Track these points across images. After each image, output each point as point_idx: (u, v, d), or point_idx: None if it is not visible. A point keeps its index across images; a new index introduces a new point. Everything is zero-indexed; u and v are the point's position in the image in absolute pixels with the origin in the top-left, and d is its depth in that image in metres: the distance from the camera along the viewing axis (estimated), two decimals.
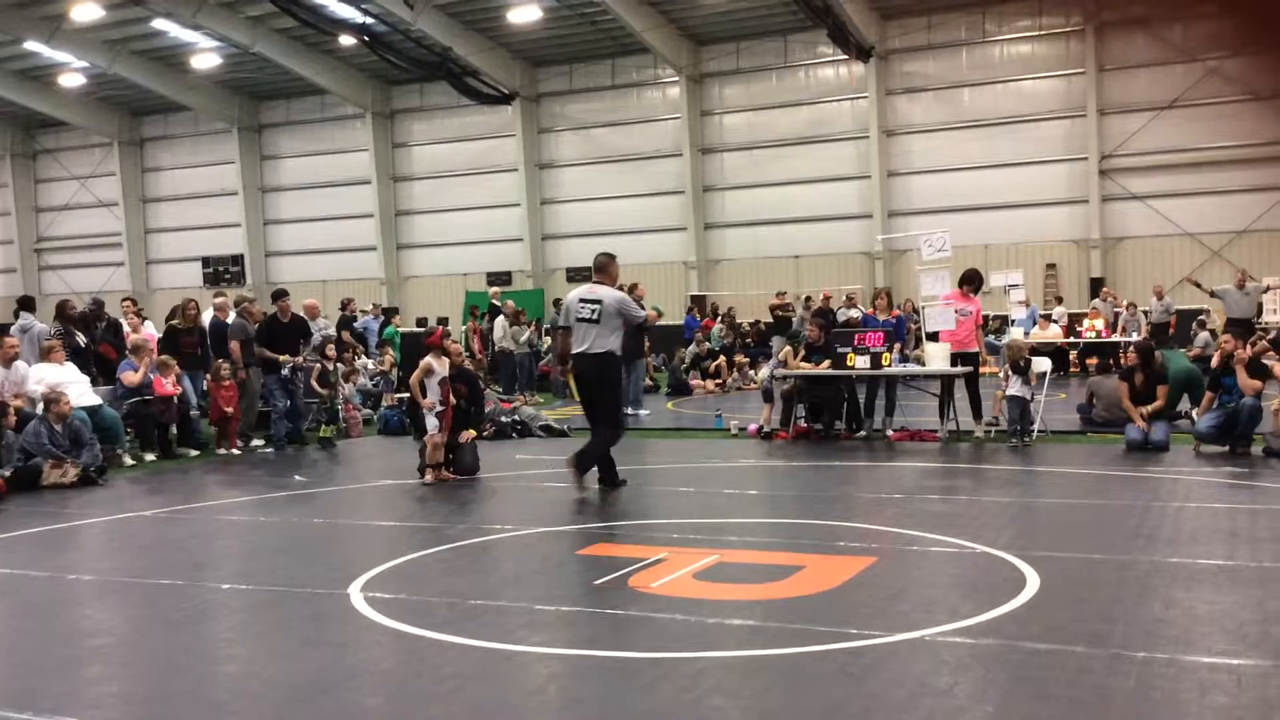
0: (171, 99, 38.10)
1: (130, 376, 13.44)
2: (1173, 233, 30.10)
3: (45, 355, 12.85)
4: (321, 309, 18.47)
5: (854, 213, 33.16)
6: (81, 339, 14.39)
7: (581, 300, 10.07)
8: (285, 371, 14.29)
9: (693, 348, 24.15)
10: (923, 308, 14.04)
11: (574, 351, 10.01)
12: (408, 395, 12.90)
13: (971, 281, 13.90)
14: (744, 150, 34.49)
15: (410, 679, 4.86)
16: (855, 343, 13.58)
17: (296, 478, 11.69)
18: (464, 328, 26.00)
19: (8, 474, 10.85)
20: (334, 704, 4.61)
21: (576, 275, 36.37)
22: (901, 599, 5.97)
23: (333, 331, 17.79)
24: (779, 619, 5.62)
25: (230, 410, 13.83)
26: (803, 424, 13.86)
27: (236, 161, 40.26)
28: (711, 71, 34.54)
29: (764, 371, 15.78)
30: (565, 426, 15.25)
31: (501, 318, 21.98)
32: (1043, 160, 31.14)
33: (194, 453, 13.75)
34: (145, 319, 16.63)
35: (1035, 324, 23.15)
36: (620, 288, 19.23)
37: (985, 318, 18.35)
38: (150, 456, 13.27)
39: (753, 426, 14.12)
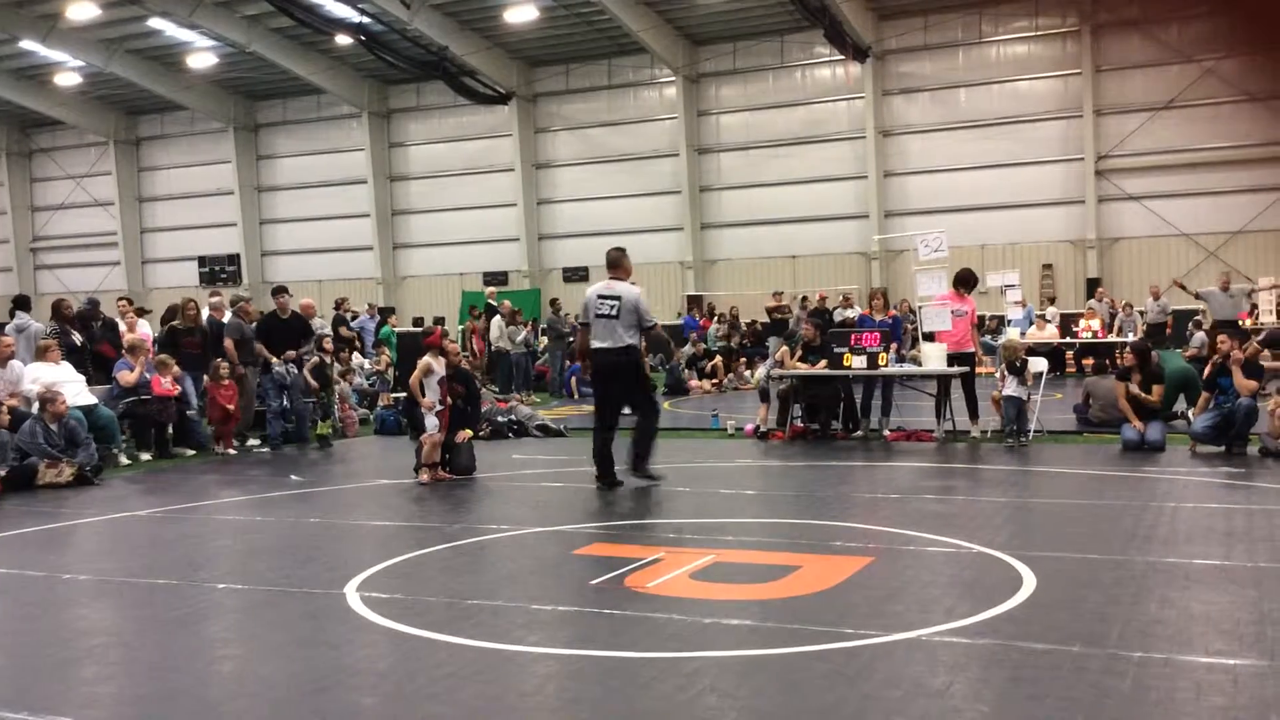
0: (167, 98, 38.08)
1: (126, 376, 13.42)
2: (1169, 233, 30.15)
3: (41, 354, 12.82)
4: (318, 308, 18.43)
5: (850, 213, 33.20)
6: (78, 338, 14.36)
7: (600, 296, 10.10)
8: (279, 368, 14.26)
9: (688, 348, 24.15)
10: (919, 308, 14.04)
11: (595, 347, 10.08)
12: (404, 395, 12.90)
13: (966, 282, 13.91)
14: (740, 150, 34.51)
15: (406, 679, 4.86)
16: (852, 343, 13.59)
17: (293, 477, 11.68)
18: (461, 327, 25.99)
19: (3, 473, 10.83)
20: (330, 704, 4.60)
21: (573, 275, 36.45)
22: (897, 599, 5.98)
23: (329, 329, 17.77)
24: (775, 619, 5.62)
25: (231, 409, 13.80)
26: (799, 424, 13.86)
27: (232, 161, 40.24)
28: (708, 71, 34.56)
29: (761, 371, 15.78)
30: (561, 426, 15.25)
31: (498, 317, 21.97)
32: (1039, 161, 31.20)
33: (190, 452, 13.74)
34: (149, 312, 16.54)
35: (1032, 324, 23.18)
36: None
37: (981, 318, 18.37)
38: (146, 456, 13.25)
39: (749, 426, 14.12)
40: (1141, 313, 24.45)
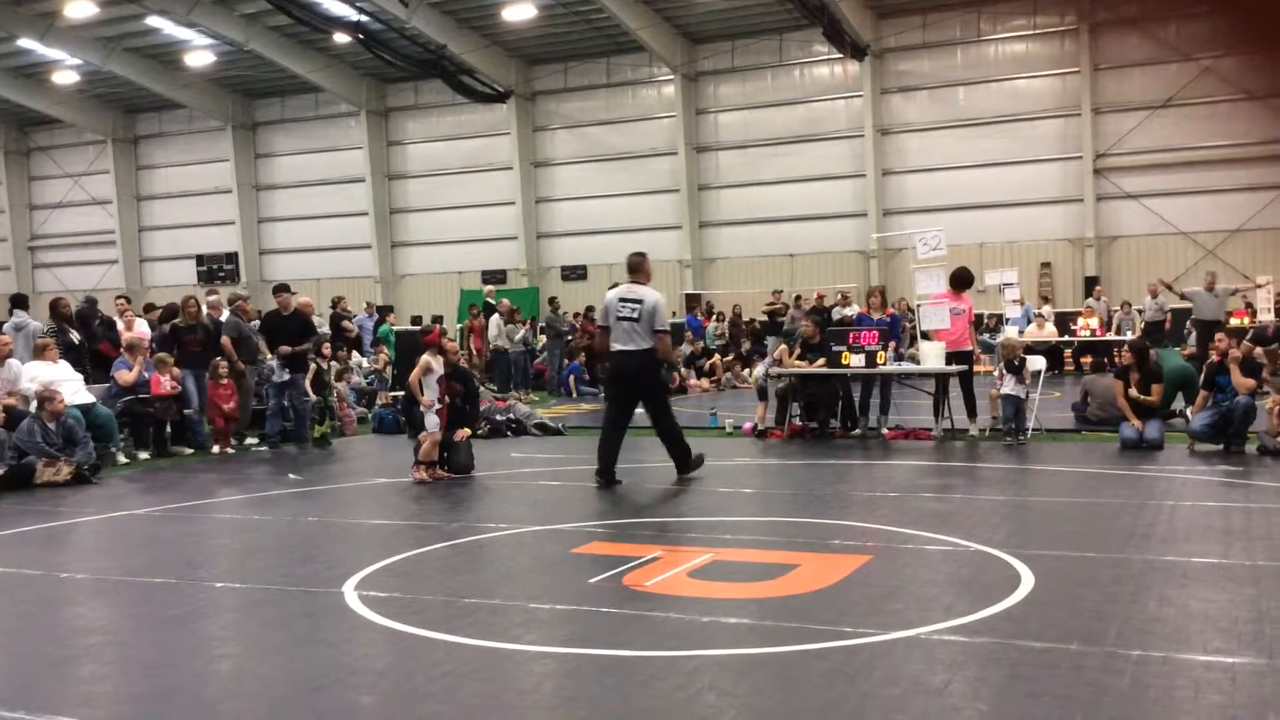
0: (165, 96, 38.04)
1: (125, 375, 13.42)
2: (1167, 232, 30.16)
3: (39, 353, 12.81)
4: (315, 307, 18.41)
5: (849, 211, 33.20)
6: (75, 336, 14.35)
7: (622, 300, 10.21)
8: (273, 362, 14.26)
9: (685, 346, 24.17)
10: (917, 306, 14.05)
11: (615, 349, 10.18)
12: (403, 394, 12.89)
13: (962, 282, 13.91)
14: (739, 149, 34.50)
15: (404, 677, 4.85)
16: (850, 341, 13.59)
17: (291, 476, 11.68)
18: (459, 326, 26.00)
19: (1, 472, 10.83)
20: (328, 702, 4.60)
21: (571, 274, 36.45)
22: (896, 597, 5.98)
23: (327, 330, 17.77)
24: (774, 617, 5.62)
25: (230, 407, 13.78)
26: (798, 422, 13.86)
27: (231, 159, 40.19)
28: (706, 70, 34.54)
29: (759, 370, 15.78)
30: (560, 425, 15.26)
31: (496, 316, 21.98)
32: (1037, 159, 31.20)
33: (188, 451, 13.74)
34: (157, 308, 16.42)
35: (1030, 323, 23.19)
36: (615, 286, 19.40)
37: (980, 316, 18.36)
38: (144, 455, 13.25)
39: (748, 425, 14.12)
40: (1140, 311, 24.46)
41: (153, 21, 32.41)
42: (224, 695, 4.79)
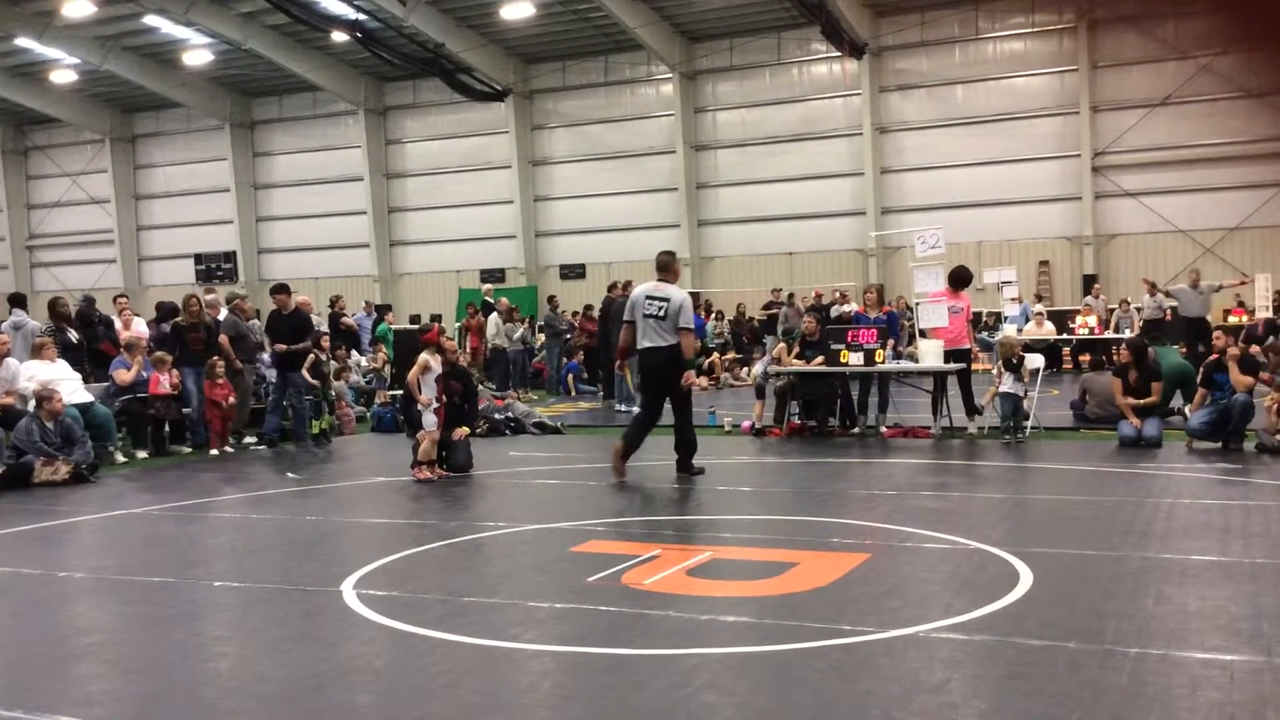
0: (163, 95, 38.02)
1: (123, 375, 13.41)
2: (1165, 229, 30.18)
3: (37, 352, 12.80)
4: (314, 306, 18.40)
5: (847, 209, 33.20)
6: (74, 336, 14.34)
7: (649, 297, 10.42)
8: (265, 358, 14.29)
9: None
10: (915, 304, 14.05)
11: (641, 346, 10.41)
12: (401, 392, 12.88)
13: (961, 280, 13.91)
14: (737, 147, 34.51)
15: (403, 676, 4.85)
16: (849, 339, 13.59)
17: (289, 475, 11.68)
18: (457, 324, 25.99)
19: None
20: (326, 701, 4.60)
21: (570, 272, 36.44)
22: (895, 595, 5.98)
23: (325, 326, 17.75)
24: (772, 615, 5.62)
25: (228, 404, 13.76)
26: (796, 421, 13.87)
27: (229, 158, 40.18)
28: (705, 68, 34.53)
29: (757, 368, 15.78)
30: (558, 423, 15.25)
31: (495, 315, 21.98)
32: (1035, 157, 31.21)
33: (187, 450, 13.73)
34: (168, 304, 16.24)
35: (1029, 321, 23.19)
36: (615, 285, 19.42)
37: (977, 315, 18.35)
38: (142, 454, 13.24)
39: (746, 423, 14.12)
40: (1138, 309, 24.47)
41: (150, 20, 32.40)
42: (222, 694, 4.79)
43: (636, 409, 17.10)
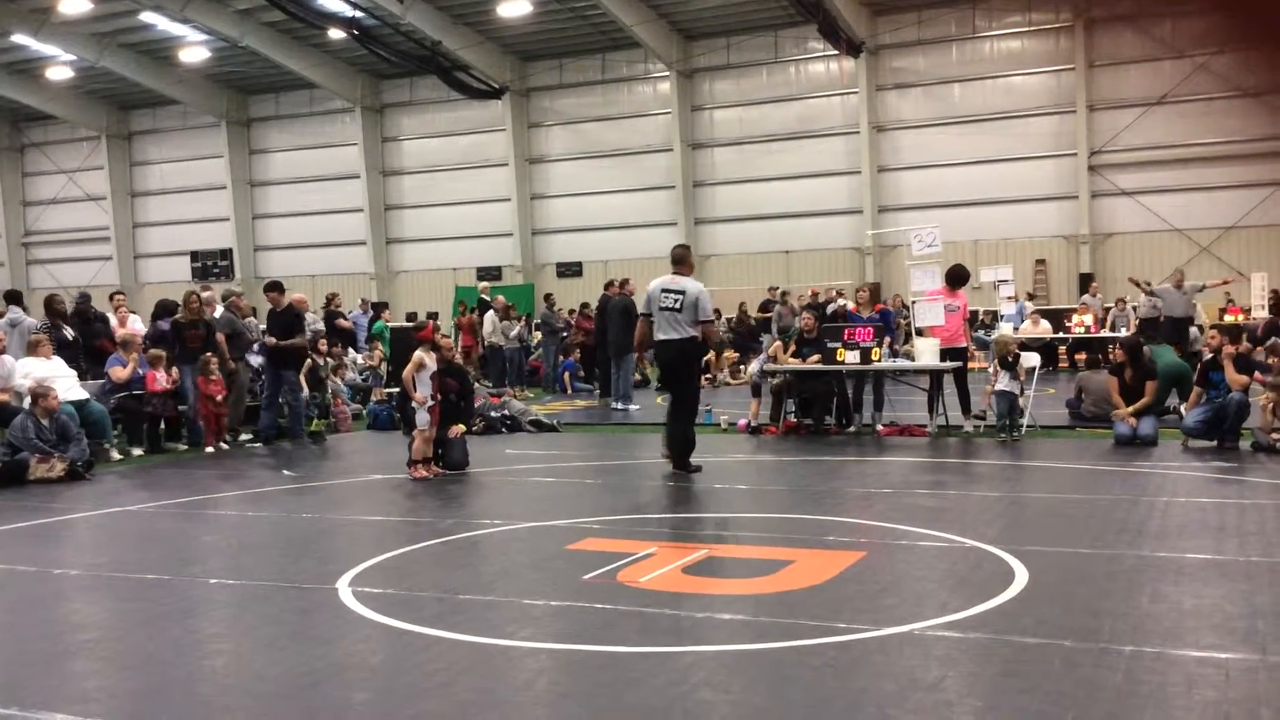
0: (160, 93, 37.97)
1: (119, 372, 13.39)
2: (1161, 228, 30.21)
3: (32, 349, 12.78)
4: (310, 304, 18.38)
5: (844, 208, 33.22)
6: (69, 333, 14.32)
7: (664, 290, 10.60)
8: (256, 357, 14.31)
9: None
10: (912, 303, 14.06)
11: (658, 339, 10.55)
12: (397, 390, 12.87)
13: (958, 279, 13.91)
14: (734, 145, 34.51)
15: (398, 674, 4.85)
16: (845, 338, 13.59)
17: (285, 472, 11.67)
18: (452, 321, 26.01)
19: None
20: (322, 699, 4.60)
21: (566, 270, 36.43)
22: (890, 593, 5.98)
23: (321, 326, 17.75)
24: (768, 613, 5.62)
25: (221, 399, 13.74)
26: (793, 419, 13.87)
27: (225, 155, 40.14)
28: (702, 66, 34.53)
29: (753, 367, 15.78)
30: (555, 421, 15.25)
31: (491, 313, 21.97)
32: (1032, 156, 31.23)
33: (183, 447, 13.72)
34: (176, 303, 16.14)
35: (1025, 319, 23.20)
36: (612, 283, 19.42)
37: (974, 313, 18.35)
38: (138, 451, 13.23)
39: (743, 422, 14.13)
40: (1134, 308, 24.47)
41: (147, 17, 32.35)
42: (218, 691, 4.79)
43: (633, 407, 17.27)
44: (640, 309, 10.98)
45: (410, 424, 10.97)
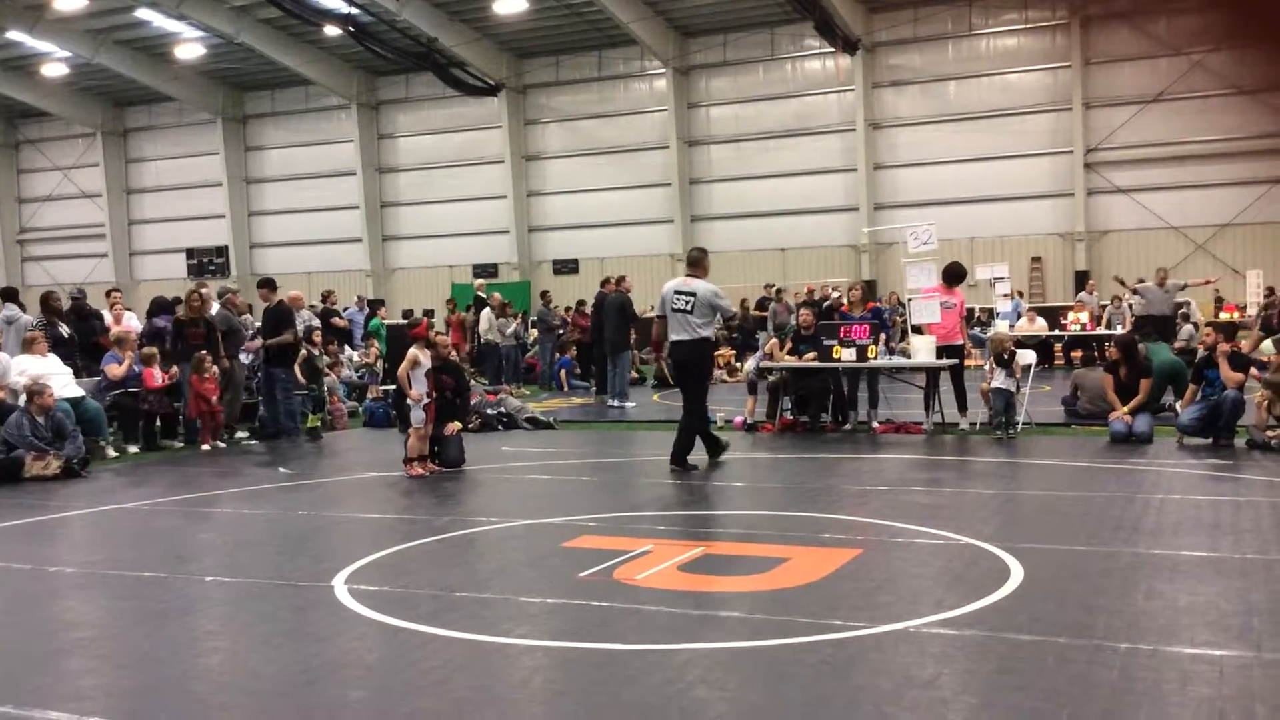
0: (155, 89, 37.93)
1: (115, 369, 13.37)
2: (1157, 226, 30.25)
3: (27, 346, 12.76)
4: (305, 300, 18.35)
5: (840, 205, 33.24)
6: (65, 330, 14.29)
7: (677, 292, 10.81)
8: (246, 358, 14.34)
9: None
10: (908, 300, 14.06)
11: (671, 339, 10.78)
12: (394, 387, 12.86)
13: (955, 277, 13.92)
14: (730, 143, 34.51)
15: (395, 671, 4.85)
16: (841, 335, 13.60)
17: (281, 470, 11.66)
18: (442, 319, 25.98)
19: None
20: (318, 697, 4.60)
21: (563, 267, 36.43)
22: (886, 590, 5.99)
23: (317, 322, 17.71)
24: (764, 611, 5.62)
25: (215, 398, 13.72)
26: (789, 416, 13.87)
27: (221, 152, 40.10)
28: (698, 64, 34.53)
29: (750, 364, 15.79)
30: (551, 419, 15.24)
31: (488, 310, 21.97)
32: (1028, 153, 31.26)
33: (178, 445, 13.70)
34: (180, 300, 16.06)
35: (1021, 317, 23.20)
36: (608, 280, 19.42)
37: (971, 310, 18.35)
38: (133, 449, 13.21)
39: (739, 419, 14.13)
40: (1130, 305, 24.49)
41: (142, 14, 32.31)
42: (213, 689, 4.79)
43: (630, 404, 17.27)
44: (657, 311, 11.23)
45: (406, 421, 10.96)
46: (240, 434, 14.35)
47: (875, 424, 13.59)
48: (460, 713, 4.38)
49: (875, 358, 13.51)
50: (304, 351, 14.78)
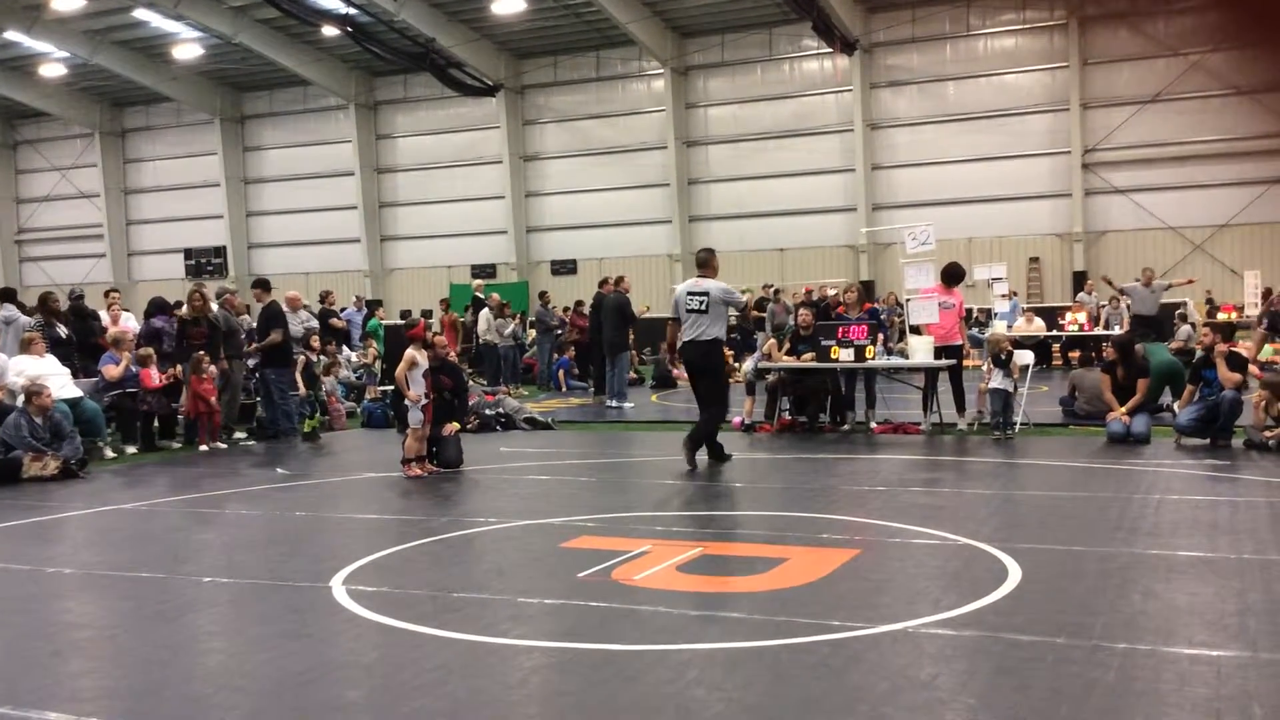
0: (153, 90, 37.88)
1: (112, 370, 13.37)
2: (1155, 226, 30.25)
3: (25, 347, 12.76)
4: (302, 300, 18.35)
5: (838, 206, 33.22)
6: (63, 330, 14.28)
7: (690, 293, 10.94)
8: (251, 362, 14.42)
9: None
10: (906, 301, 14.06)
11: (684, 340, 10.92)
12: (392, 388, 12.86)
13: (954, 277, 13.93)
14: (729, 143, 34.50)
15: (393, 672, 4.85)
16: (839, 335, 13.60)
17: (279, 470, 11.66)
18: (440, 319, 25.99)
19: None
20: (316, 697, 4.60)
21: (561, 268, 36.41)
22: (884, 591, 5.99)
23: (315, 323, 17.72)
24: (762, 611, 5.63)
25: (213, 399, 13.70)
26: (787, 417, 13.88)
27: (219, 153, 40.05)
28: (696, 64, 34.51)
29: (748, 364, 15.79)
30: (549, 419, 15.24)
31: (486, 310, 21.96)
32: (1026, 154, 31.25)
33: (176, 445, 13.69)
34: (181, 303, 16.04)
35: (1020, 317, 23.22)
36: (606, 280, 19.42)
37: (969, 311, 18.33)
38: (131, 449, 13.20)
39: (737, 419, 14.13)
40: (1128, 305, 24.51)
41: (140, 14, 32.27)
42: (211, 690, 4.79)
43: (628, 404, 17.28)
44: (671, 313, 11.34)
45: (404, 422, 10.96)
46: (238, 434, 14.35)
47: (873, 424, 13.59)
48: (458, 713, 4.39)
49: (873, 358, 13.52)
50: (302, 357, 14.79)
